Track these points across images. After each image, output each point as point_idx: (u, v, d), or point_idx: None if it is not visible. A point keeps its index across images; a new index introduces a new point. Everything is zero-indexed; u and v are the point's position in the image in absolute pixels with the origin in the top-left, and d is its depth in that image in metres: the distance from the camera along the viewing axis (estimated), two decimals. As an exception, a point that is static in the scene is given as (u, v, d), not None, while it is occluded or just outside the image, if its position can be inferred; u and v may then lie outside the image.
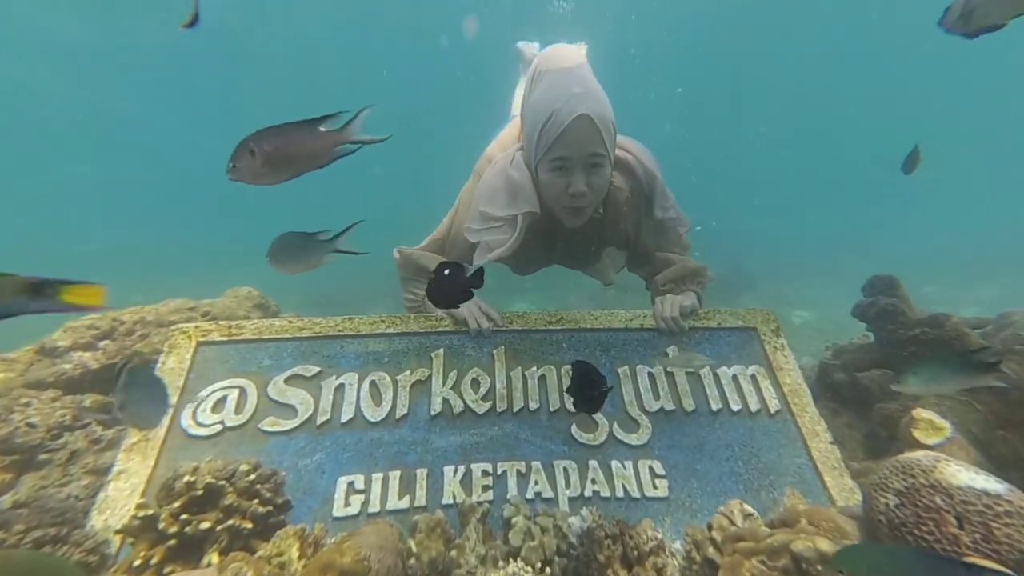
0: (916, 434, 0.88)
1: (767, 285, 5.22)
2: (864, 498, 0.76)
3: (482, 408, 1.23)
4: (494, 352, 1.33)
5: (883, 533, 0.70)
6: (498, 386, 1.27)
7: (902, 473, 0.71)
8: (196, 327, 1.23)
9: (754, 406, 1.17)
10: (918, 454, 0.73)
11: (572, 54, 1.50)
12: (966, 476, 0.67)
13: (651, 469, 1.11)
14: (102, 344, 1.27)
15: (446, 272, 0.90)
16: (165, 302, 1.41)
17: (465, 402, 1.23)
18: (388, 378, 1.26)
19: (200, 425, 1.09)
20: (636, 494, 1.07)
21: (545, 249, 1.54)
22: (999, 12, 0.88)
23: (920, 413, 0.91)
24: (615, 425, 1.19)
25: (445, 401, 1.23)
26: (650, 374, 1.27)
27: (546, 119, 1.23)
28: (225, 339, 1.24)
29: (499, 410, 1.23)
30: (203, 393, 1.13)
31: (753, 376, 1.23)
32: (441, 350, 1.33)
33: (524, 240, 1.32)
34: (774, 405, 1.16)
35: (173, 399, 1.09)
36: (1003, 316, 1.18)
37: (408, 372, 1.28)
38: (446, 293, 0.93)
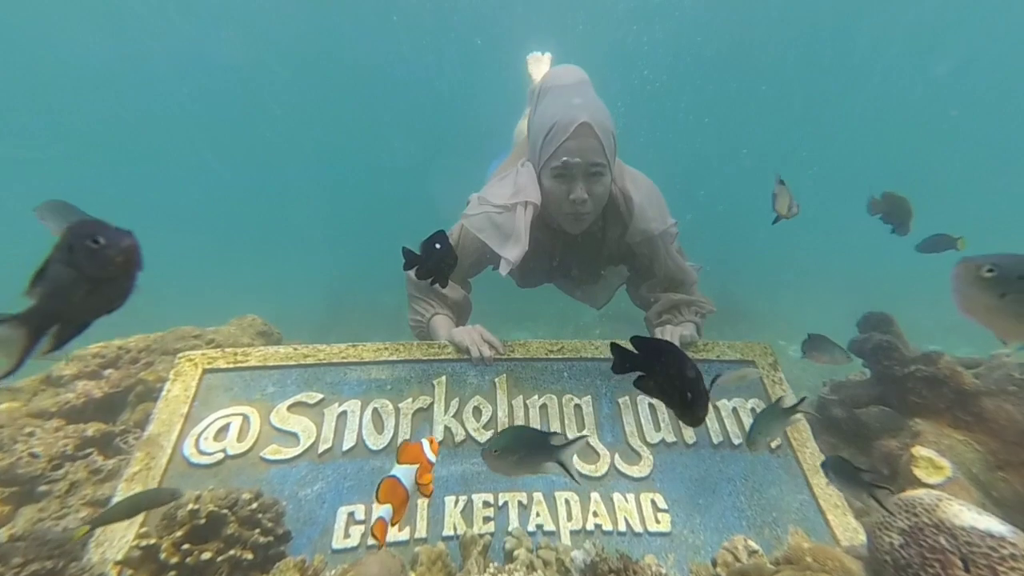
0: (917, 472, 0.89)
1: (760, 315, 5.21)
2: (868, 537, 0.76)
3: (483, 436, 1.23)
4: (496, 380, 1.34)
5: (889, 574, 0.70)
6: (500, 414, 1.28)
7: (905, 512, 0.72)
8: (202, 354, 1.25)
9: (755, 439, 1.17)
10: (920, 492, 0.73)
11: (574, 72, 1.57)
12: (969, 516, 0.67)
13: (653, 503, 1.10)
14: (107, 372, 1.28)
15: (436, 246, 0.91)
16: (172, 330, 1.43)
17: (467, 430, 1.24)
18: (390, 405, 1.27)
19: (202, 453, 1.09)
20: (639, 528, 1.06)
21: (548, 256, 1.57)
22: None
23: (920, 451, 0.91)
24: (616, 456, 1.19)
25: (447, 429, 1.23)
26: (651, 405, 1.28)
27: (549, 128, 1.29)
28: (230, 366, 1.25)
29: (501, 439, 1.23)
30: (206, 421, 1.13)
31: (753, 409, 1.23)
32: (443, 377, 1.34)
33: (531, 241, 1.35)
34: (774, 440, 1.16)
35: (177, 427, 1.09)
36: (995, 357, 1.20)
37: (410, 399, 1.28)
38: (430, 265, 0.94)
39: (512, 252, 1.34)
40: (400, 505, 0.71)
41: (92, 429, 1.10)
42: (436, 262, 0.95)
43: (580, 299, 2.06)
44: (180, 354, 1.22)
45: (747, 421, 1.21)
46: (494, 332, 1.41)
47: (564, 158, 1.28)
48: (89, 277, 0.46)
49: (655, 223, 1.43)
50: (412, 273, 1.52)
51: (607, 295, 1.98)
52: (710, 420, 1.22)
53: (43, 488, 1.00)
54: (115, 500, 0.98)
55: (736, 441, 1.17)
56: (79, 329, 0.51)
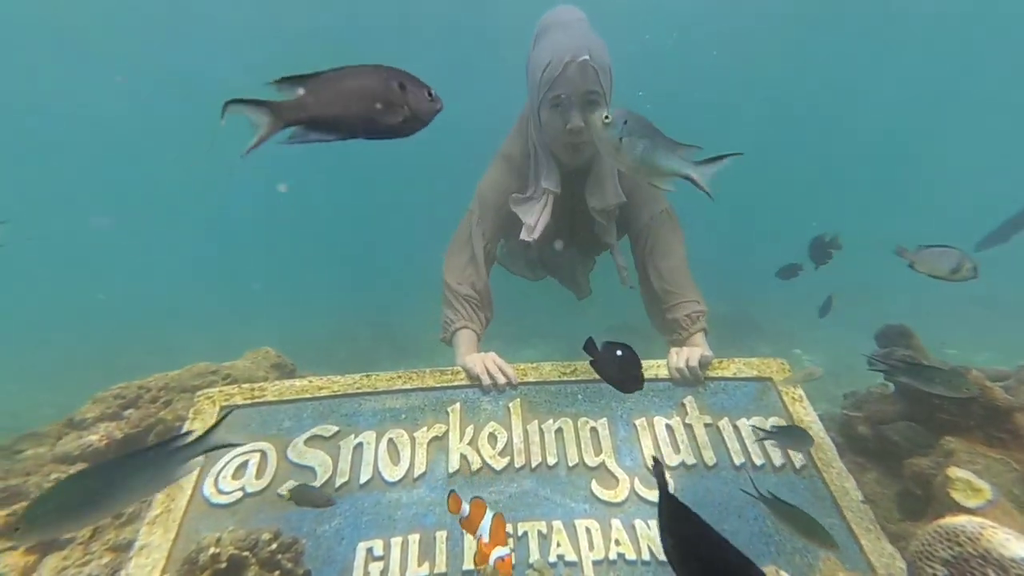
0: (955, 495, 0.85)
1: (774, 325, 5.10)
2: (909, 569, 0.73)
3: (500, 464, 1.21)
4: (510, 406, 1.33)
5: (931, 608, 0.67)
6: (515, 440, 1.26)
7: (946, 541, 0.68)
8: (220, 391, 1.27)
9: (778, 460, 1.14)
10: (961, 519, 0.70)
11: (572, 11, 1.59)
12: (1017, 546, 0.64)
13: (677, 529, 1.07)
14: (127, 413, 1.31)
15: (618, 353, 0.87)
16: (188, 367, 1.46)
17: (483, 458, 1.23)
18: (405, 435, 1.26)
19: (221, 493, 1.10)
20: (663, 557, 1.03)
21: (564, 222, 1.62)
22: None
23: (955, 472, 0.87)
24: (636, 481, 1.16)
25: (463, 457, 1.22)
26: (668, 426, 1.26)
27: (545, 64, 1.34)
28: (248, 402, 1.26)
29: (517, 466, 1.21)
30: (225, 459, 1.14)
31: (773, 428, 1.20)
32: (457, 404, 1.34)
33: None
34: (798, 459, 1.13)
35: (197, 468, 1.10)
36: (1022, 368, 1.15)
37: (425, 428, 1.28)
38: (617, 374, 0.91)
39: (532, 218, 1.44)
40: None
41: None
42: (618, 371, 0.90)
43: (571, 286, 2.14)
44: (199, 392, 1.24)
45: (769, 441, 1.18)
46: (502, 351, 1.42)
47: (560, 88, 1.32)
48: (406, 112, 0.56)
49: (651, 202, 1.52)
50: (446, 276, 1.57)
51: (585, 274, 2.09)
52: (730, 440, 1.19)
53: (66, 536, 1.01)
54: (138, 544, 0.98)
55: (759, 462, 1.14)
56: (330, 135, 0.56)
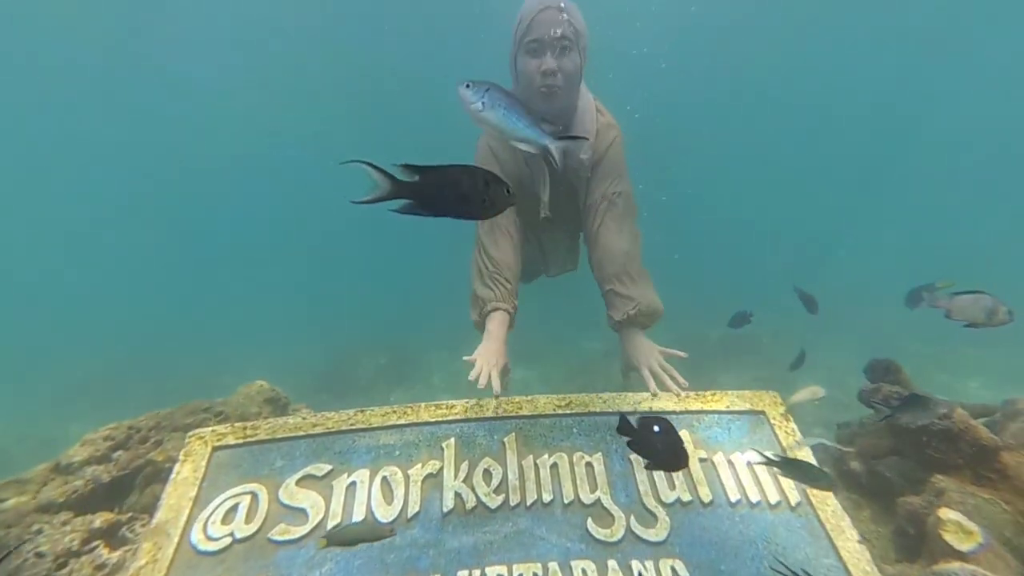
0: (947, 537, 0.85)
1: (766, 346, 5.08)
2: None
3: (495, 502, 1.20)
4: (505, 440, 1.32)
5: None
6: (510, 476, 1.25)
7: (938, 587, 0.68)
8: (212, 431, 1.25)
9: (773, 497, 1.13)
10: (954, 566, 0.70)
11: None
12: (1004, 592, 0.64)
13: (674, 570, 1.06)
14: (116, 455, 1.28)
15: (655, 429, 0.86)
16: (181, 405, 1.44)
17: (477, 496, 1.21)
18: (399, 472, 1.25)
19: (209, 539, 1.07)
20: (660, 600, 1.01)
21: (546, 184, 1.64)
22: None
23: (947, 514, 0.88)
24: (632, 519, 1.15)
25: (457, 495, 1.21)
26: (664, 460, 1.25)
27: (521, 18, 1.44)
28: (240, 441, 1.25)
29: (512, 504, 1.20)
30: (215, 502, 1.12)
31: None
32: (452, 439, 1.33)
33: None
34: (794, 497, 1.13)
35: (185, 512, 1.08)
36: (1010, 403, 1.17)
37: (419, 465, 1.27)
38: (660, 455, 0.87)
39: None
40: None
41: (99, 519, 1.09)
42: (662, 452, 0.86)
43: (558, 261, 2.17)
44: (191, 432, 1.22)
45: (764, 477, 1.18)
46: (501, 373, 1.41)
47: (534, 32, 1.40)
48: (487, 202, 0.71)
49: (611, 179, 1.58)
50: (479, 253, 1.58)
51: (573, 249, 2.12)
52: (726, 476, 1.19)
53: (51, 587, 0.98)
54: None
55: (754, 499, 1.13)
56: (429, 212, 0.70)
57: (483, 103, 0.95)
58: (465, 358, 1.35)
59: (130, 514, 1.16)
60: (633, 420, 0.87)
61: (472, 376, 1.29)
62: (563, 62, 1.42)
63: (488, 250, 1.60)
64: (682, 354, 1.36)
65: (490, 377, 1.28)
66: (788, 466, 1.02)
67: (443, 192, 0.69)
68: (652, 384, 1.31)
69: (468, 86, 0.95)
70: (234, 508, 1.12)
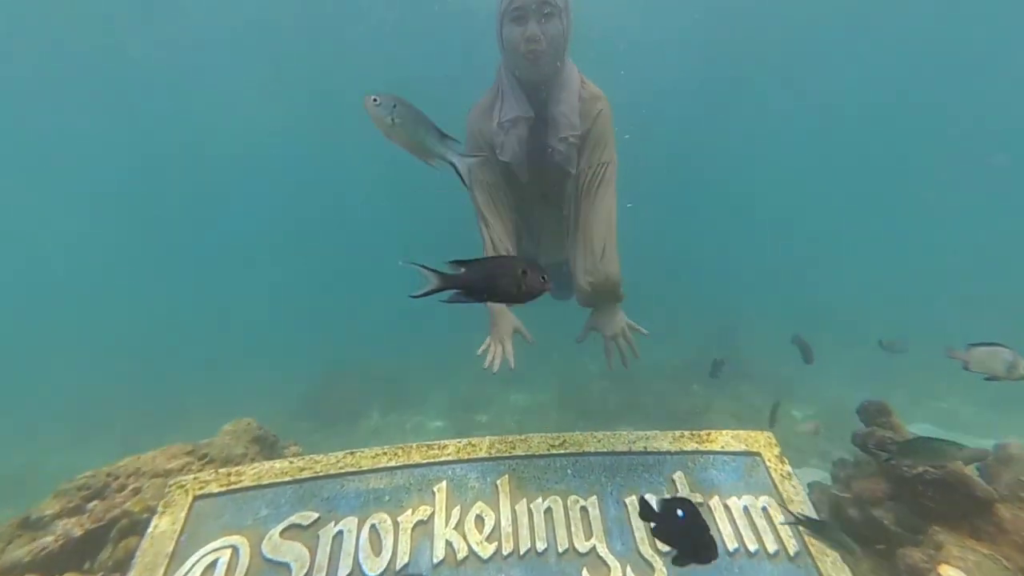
0: (947, 596, 0.83)
1: (764, 376, 5.05)
2: None
3: (487, 552, 1.16)
4: (498, 483, 1.29)
5: None
6: (503, 523, 1.22)
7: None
8: (194, 479, 1.20)
9: (771, 547, 1.11)
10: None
11: None
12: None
13: (673, 625, 1.02)
14: (90, 505, 1.22)
15: (679, 513, 0.82)
16: (163, 448, 1.39)
17: (469, 544, 1.17)
18: (389, 520, 1.21)
19: (186, 600, 1.02)
20: (659, 658, 0.98)
21: (534, 156, 1.62)
22: None
23: (947, 571, 0.86)
24: (628, 569, 1.12)
25: (448, 544, 1.17)
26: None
27: None
28: (223, 489, 1.20)
29: (505, 553, 1.16)
30: (192, 559, 1.07)
31: (764, 509, 1.18)
32: (444, 482, 1.30)
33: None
34: (792, 546, 1.10)
35: (160, 570, 1.03)
36: (1001, 447, 1.17)
37: (410, 511, 1.23)
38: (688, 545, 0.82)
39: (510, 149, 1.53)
40: None
41: (74, 583, 1.02)
42: (689, 541, 0.82)
43: (548, 240, 2.12)
44: (172, 480, 1.17)
45: (761, 524, 1.15)
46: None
47: (517, 1, 1.40)
48: (525, 288, 0.80)
49: (597, 149, 1.58)
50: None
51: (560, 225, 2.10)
52: (723, 523, 1.16)
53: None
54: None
55: (752, 548, 1.11)
56: (474, 299, 0.79)
57: (392, 118, 0.94)
58: (479, 352, 1.43)
59: (100, 574, 1.09)
60: (654, 503, 0.85)
61: (486, 364, 1.37)
62: (547, 28, 1.44)
63: (488, 220, 1.65)
64: (645, 332, 1.54)
65: (504, 354, 1.38)
66: (815, 527, 1.02)
67: (487, 281, 0.78)
68: (612, 360, 1.49)
69: (376, 100, 0.94)
70: (212, 565, 1.07)
